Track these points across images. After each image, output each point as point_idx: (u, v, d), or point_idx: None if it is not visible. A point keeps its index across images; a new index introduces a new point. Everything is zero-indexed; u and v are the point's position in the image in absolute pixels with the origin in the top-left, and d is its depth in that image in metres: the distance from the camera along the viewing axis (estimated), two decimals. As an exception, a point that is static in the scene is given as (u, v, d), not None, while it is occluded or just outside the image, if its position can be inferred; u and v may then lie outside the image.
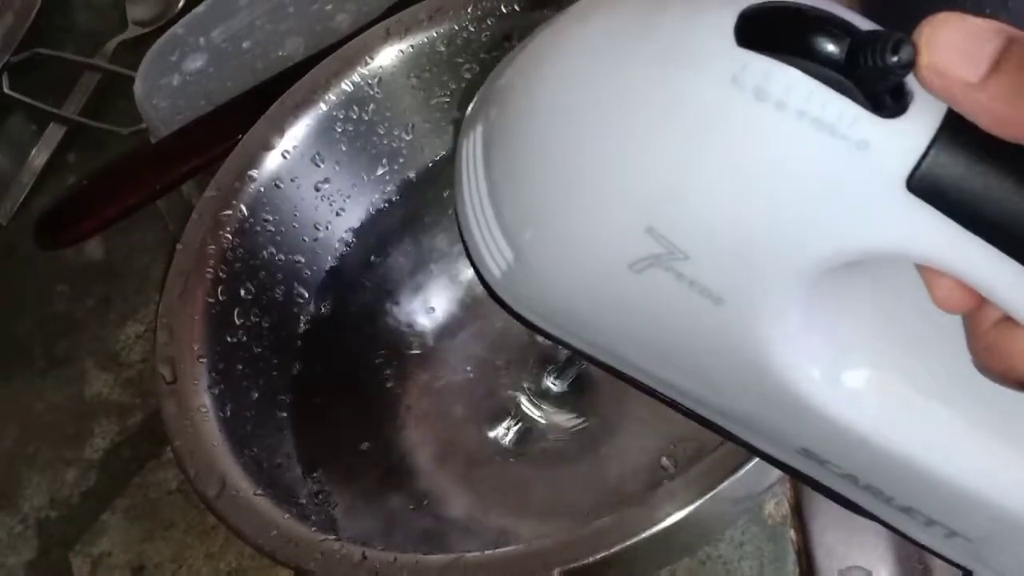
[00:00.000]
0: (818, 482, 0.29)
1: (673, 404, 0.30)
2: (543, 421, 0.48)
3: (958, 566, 0.29)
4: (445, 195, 0.52)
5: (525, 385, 0.49)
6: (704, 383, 0.28)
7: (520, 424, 0.48)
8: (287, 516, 0.39)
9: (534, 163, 0.26)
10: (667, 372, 0.28)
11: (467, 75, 0.50)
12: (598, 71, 0.24)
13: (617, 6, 0.25)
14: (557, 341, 0.30)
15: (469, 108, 0.29)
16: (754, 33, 0.22)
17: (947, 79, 0.21)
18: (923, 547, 0.29)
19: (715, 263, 0.24)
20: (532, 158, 0.26)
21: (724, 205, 0.23)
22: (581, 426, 0.47)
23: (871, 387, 0.26)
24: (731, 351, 0.25)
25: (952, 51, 0.21)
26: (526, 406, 0.48)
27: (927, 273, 0.24)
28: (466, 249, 0.29)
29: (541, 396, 0.48)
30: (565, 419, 0.48)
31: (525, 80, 0.27)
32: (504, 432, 0.48)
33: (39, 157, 0.72)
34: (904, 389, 0.26)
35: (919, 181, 0.21)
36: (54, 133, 0.72)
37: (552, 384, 0.48)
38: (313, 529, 0.39)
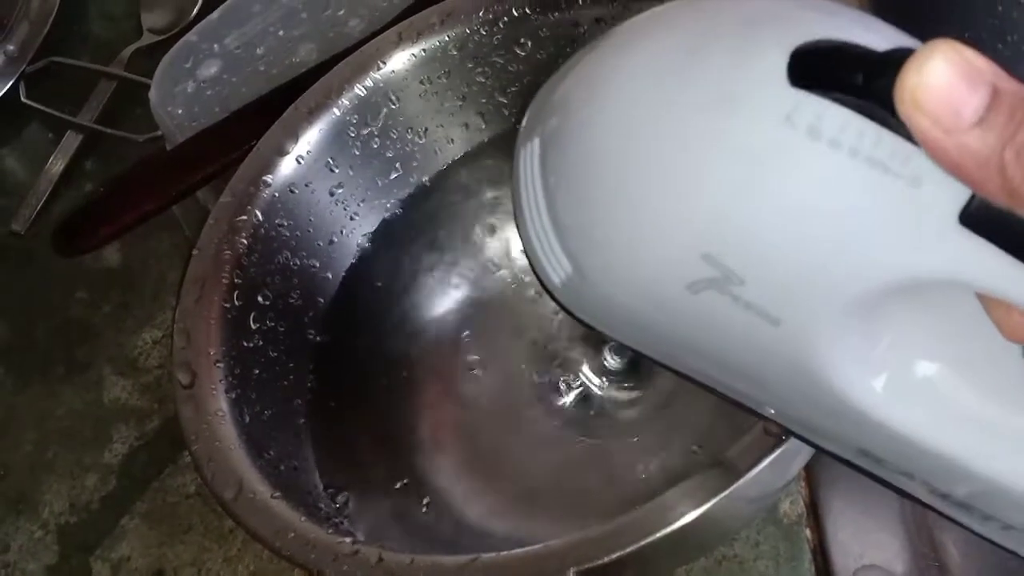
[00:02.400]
0: (873, 474, 0.29)
1: (732, 401, 0.31)
2: (600, 394, 0.48)
3: (1010, 552, 0.30)
4: (458, 198, 0.52)
5: (582, 362, 0.49)
6: (762, 390, 0.29)
7: (575, 395, 0.49)
8: (304, 519, 0.39)
9: (591, 184, 0.27)
10: (725, 377, 0.29)
11: (480, 79, 0.50)
12: (653, 98, 0.25)
13: (669, 31, 0.26)
14: (618, 342, 0.31)
15: (525, 118, 0.30)
16: (806, 72, 0.22)
17: (931, 128, 0.21)
18: (977, 534, 0.29)
19: (771, 289, 0.25)
20: (589, 180, 0.27)
21: (779, 236, 0.24)
22: (637, 399, 0.48)
23: (931, 397, 0.26)
24: (790, 366, 0.26)
25: (942, 97, 0.20)
26: (586, 379, 0.49)
27: (994, 308, 0.24)
28: (527, 254, 0.30)
29: (600, 372, 0.49)
30: (623, 394, 0.48)
31: (580, 100, 0.28)
32: (557, 403, 0.49)
33: (56, 165, 0.72)
34: (964, 398, 0.26)
35: (971, 216, 0.22)
36: (71, 141, 0.72)
37: (611, 360, 0.48)
38: (330, 531, 0.39)
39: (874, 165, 0.22)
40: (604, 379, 0.49)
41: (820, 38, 0.23)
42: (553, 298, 0.31)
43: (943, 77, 0.20)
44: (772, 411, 0.30)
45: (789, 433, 0.31)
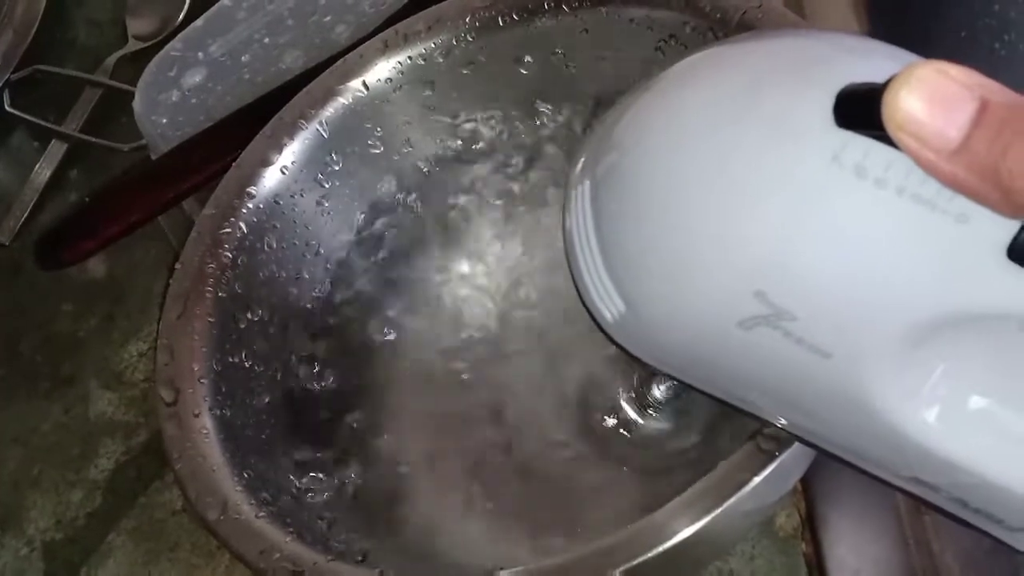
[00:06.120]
0: (925, 500, 0.29)
1: (782, 430, 0.31)
2: (641, 422, 0.47)
3: None
4: (450, 207, 0.52)
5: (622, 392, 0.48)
6: (814, 421, 0.29)
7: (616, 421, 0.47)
8: (289, 539, 0.38)
9: (642, 223, 0.28)
10: (776, 409, 0.30)
11: (468, 86, 0.50)
12: (703, 143, 0.26)
13: (716, 75, 0.27)
14: (669, 375, 0.32)
15: (576, 159, 0.32)
16: (850, 113, 0.23)
17: (921, 149, 0.21)
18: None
19: (822, 324, 0.25)
20: (640, 219, 0.28)
21: (829, 274, 0.24)
22: (676, 431, 0.46)
23: (985, 427, 0.26)
24: (842, 398, 0.26)
25: (923, 118, 0.21)
26: (626, 408, 0.47)
27: None
28: (579, 292, 0.32)
29: (644, 402, 0.47)
30: (661, 424, 0.47)
31: (632, 140, 0.29)
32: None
33: (42, 174, 0.72)
34: (1018, 427, 0.26)
35: (1020, 250, 0.22)
36: (56, 150, 0.72)
37: (657, 392, 0.47)
38: (319, 551, 0.38)
39: (920, 202, 0.22)
40: (645, 408, 0.47)
41: (859, 78, 0.23)
42: (605, 334, 0.32)
43: (918, 101, 0.21)
44: (820, 440, 0.30)
45: (837, 460, 0.31)
